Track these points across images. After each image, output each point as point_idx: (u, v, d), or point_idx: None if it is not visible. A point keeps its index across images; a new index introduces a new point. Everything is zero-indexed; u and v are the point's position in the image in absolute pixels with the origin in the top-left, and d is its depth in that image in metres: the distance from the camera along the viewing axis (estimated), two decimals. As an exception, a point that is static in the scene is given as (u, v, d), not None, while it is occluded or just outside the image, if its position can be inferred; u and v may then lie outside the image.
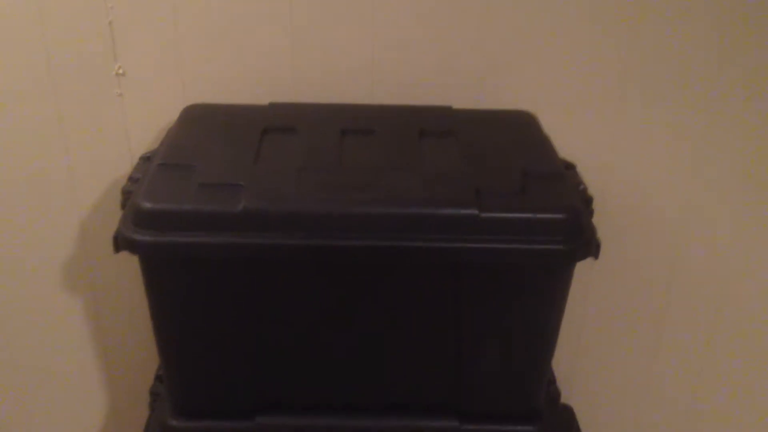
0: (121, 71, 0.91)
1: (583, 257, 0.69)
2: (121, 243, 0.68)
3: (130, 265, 1.03)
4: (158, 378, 0.89)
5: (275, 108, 0.85)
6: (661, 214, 1.05)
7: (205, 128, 0.81)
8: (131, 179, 0.76)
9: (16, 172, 0.98)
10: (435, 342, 0.74)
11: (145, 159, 0.81)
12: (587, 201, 0.76)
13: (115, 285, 1.07)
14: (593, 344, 1.18)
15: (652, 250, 1.08)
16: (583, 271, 1.08)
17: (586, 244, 0.69)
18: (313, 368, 0.76)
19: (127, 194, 0.74)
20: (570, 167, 0.82)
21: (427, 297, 0.71)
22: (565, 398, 1.20)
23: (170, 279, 0.70)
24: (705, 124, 0.97)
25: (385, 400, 0.79)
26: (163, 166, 0.73)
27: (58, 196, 1.00)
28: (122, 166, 0.96)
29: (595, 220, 0.75)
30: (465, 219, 0.67)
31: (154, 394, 0.87)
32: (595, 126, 0.96)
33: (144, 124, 0.94)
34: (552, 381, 0.90)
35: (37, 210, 1.01)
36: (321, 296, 0.71)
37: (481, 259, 0.68)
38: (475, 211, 0.67)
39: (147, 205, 0.67)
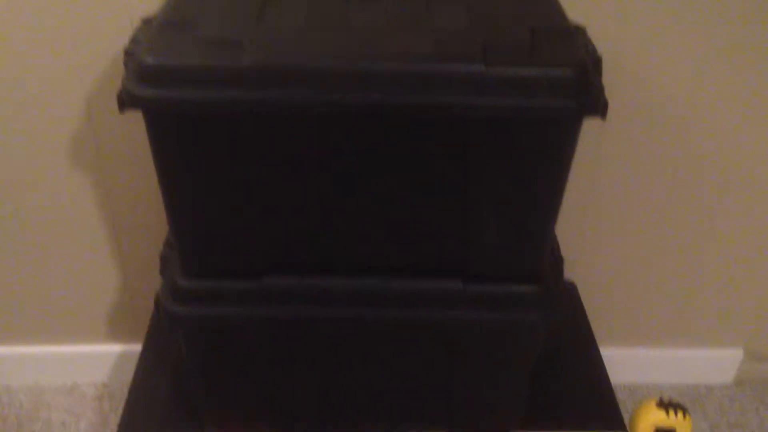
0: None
1: (590, 114, 0.68)
2: (125, 100, 0.68)
3: (136, 130, 1.04)
4: (167, 244, 0.91)
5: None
6: (669, 90, 1.04)
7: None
8: (133, 40, 0.75)
9: (18, 52, 0.97)
10: (440, 202, 0.75)
11: (147, 21, 0.80)
12: (596, 60, 0.75)
13: (122, 153, 1.07)
14: (598, 226, 1.19)
15: (659, 126, 1.08)
16: (589, 149, 1.08)
17: (594, 102, 0.68)
18: (319, 228, 0.77)
19: (129, 54, 0.73)
20: (579, 29, 0.80)
21: (433, 156, 0.71)
22: (568, 276, 1.22)
23: (175, 137, 0.70)
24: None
25: (389, 261, 0.80)
26: (165, 24, 0.72)
27: (60, 66, 0.99)
28: (124, 34, 0.95)
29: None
30: (472, 74, 0.66)
31: (164, 259, 0.88)
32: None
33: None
34: (556, 249, 0.91)
35: (40, 80, 1.00)
36: (327, 154, 0.71)
37: (488, 115, 0.68)
38: (482, 67, 0.66)
39: (150, 60, 0.66)
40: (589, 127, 1.05)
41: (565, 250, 1.19)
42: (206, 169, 0.72)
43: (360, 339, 0.84)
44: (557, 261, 0.90)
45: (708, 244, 1.21)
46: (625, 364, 1.34)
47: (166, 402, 0.98)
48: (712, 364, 1.37)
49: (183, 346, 0.85)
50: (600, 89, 0.69)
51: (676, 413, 0.90)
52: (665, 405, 0.91)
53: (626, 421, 0.95)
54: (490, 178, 0.73)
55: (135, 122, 1.01)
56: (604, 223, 1.18)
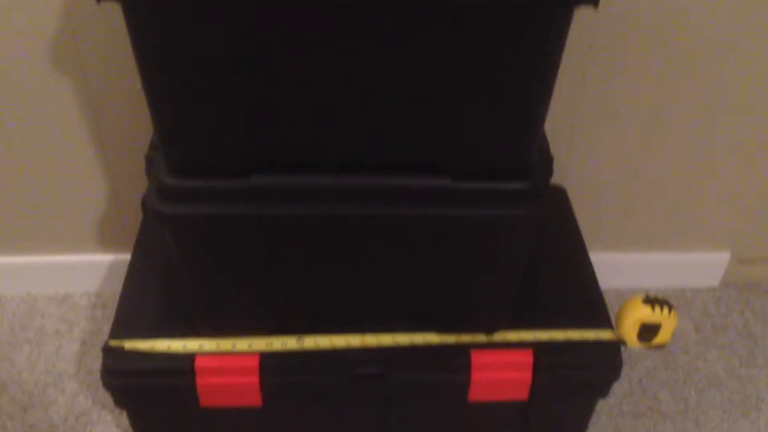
0: None
1: (582, 2, 0.67)
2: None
3: (116, 29, 1.02)
4: (153, 146, 0.90)
5: None
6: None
7: None
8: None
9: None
10: (428, 93, 0.73)
11: None
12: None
13: (102, 52, 1.05)
14: (587, 131, 1.18)
15: (653, 21, 1.06)
16: (581, 47, 1.06)
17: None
18: (306, 123, 0.76)
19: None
20: None
21: (420, 44, 0.70)
22: (558, 182, 1.22)
23: (153, 23, 0.68)
24: None
25: (378, 158, 0.79)
26: None
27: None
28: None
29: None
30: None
31: (149, 160, 0.87)
32: None
33: None
34: (546, 148, 0.90)
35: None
36: (315, 41, 0.70)
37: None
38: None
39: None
40: (581, 20, 1.03)
41: (555, 156, 1.19)
42: (188, 56, 0.70)
43: (349, 237, 0.84)
44: (547, 159, 0.90)
45: (699, 148, 1.21)
46: (613, 268, 1.35)
47: (158, 308, 0.99)
48: (699, 268, 1.38)
49: (172, 248, 0.85)
50: (592, -24, 0.68)
51: (662, 309, 0.91)
52: (651, 301, 0.92)
53: (613, 321, 0.97)
54: (480, 69, 0.72)
55: (113, 17, 0.99)
56: (594, 127, 1.17)
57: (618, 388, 1.21)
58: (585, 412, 1.02)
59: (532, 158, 0.81)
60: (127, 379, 0.93)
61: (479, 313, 0.94)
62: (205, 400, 0.95)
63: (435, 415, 1.00)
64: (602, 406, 1.18)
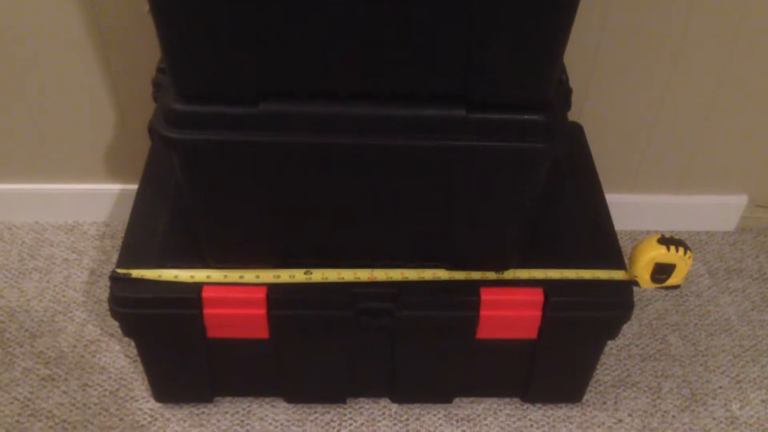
0: None
1: None
2: None
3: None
4: (160, 70, 0.87)
5: None
6: None
7: None
8: None
9: None
10: (445, 20, 0.70)
11: None
12: None
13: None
14: (607, 67, 1.15)
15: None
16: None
17: None
18: (317, 49, 0.73)
19: None
20: None
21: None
22: (575, 118, 1.19)
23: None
24: None
25: (391, 87, 0.76)
26: None
27: None
28: None
29: None
30: None
31: (156, 84, 0.85)
32: None
33: None
34: (565, 80, 0.87)
35: None
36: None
37: None
38: None
39: None
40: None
41: (573, 92, 1.16)
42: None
43: (359, 168, 0.83)
44: (565, 92, 0.87)
45: (719, 90, 1.17)
46: (627, 210, 1.33)
47: (166, 237, 0.98)
48: (715, 211, 1.36)
49: (179, 175, 0.84)
50: None
51: (677, 249, 0.89)
52: (666, 241, 0.90)
53: (626, 262, 0.95)
54: (498, -5, 0.69)
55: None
56: (614, 64, 1.14)
57: (628, 330, 1.20)
58: (593, 353, 1.01)
59: (550, 90, 0.78)
60: (134, 308, 0.92)
61: (490, 250, 0.93)
62: (213, 331, 0.94)
63: (442, 352, 1.00)
64: (611, 348, 1.18)
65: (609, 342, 1.06)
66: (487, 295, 0.92)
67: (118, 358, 1.14)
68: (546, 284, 0.93)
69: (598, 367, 1.13)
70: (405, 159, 0.82)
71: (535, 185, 0.85)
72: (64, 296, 1.23)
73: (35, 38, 1.09)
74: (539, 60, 0.74)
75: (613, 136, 1.24)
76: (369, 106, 0.77)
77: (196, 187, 0.85)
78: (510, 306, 0.93)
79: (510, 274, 0.94)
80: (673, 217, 1.35)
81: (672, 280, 0.92)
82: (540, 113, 0.78)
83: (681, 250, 0.89)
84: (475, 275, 0.94)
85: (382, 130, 0.79)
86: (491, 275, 0.94)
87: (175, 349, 0.98)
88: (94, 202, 1.32)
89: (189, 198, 0.87)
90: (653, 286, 0.93)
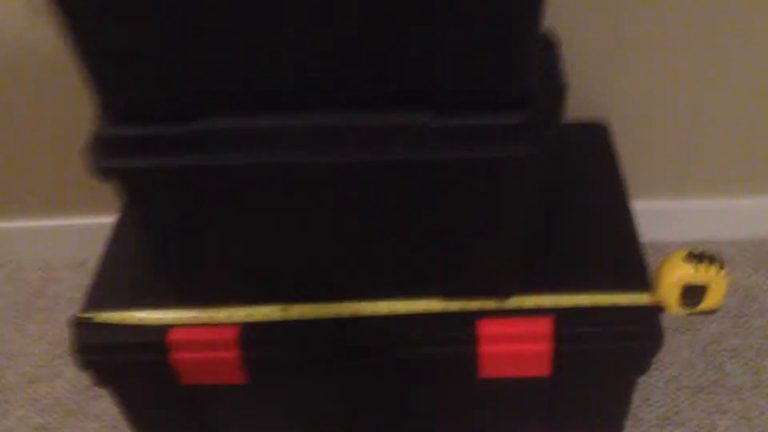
0: None
1: None
2: None
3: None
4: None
5: None
6: None
7: None
8: None
9: None
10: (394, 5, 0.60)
11: None
12: None
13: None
14: (635, 49, 1.01)
15: None
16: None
17: None
18: (257, 53, 0.64)
19: None
20: None
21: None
22: (599, 115, 1.05)
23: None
24: None
25: (343, 90, 0.66)
26: None
27: None
28: None
29: None
30: None
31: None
32: None
33: None
34: (555, 73, 0.75)
35: None
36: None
37: None
38: None
39: None
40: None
41: (594, 85, 1.03)
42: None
43: (321, 189, 0.72)
44: (556, 87, 0.75)
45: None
46: (667, 218, 1.18)
47: (136, 276, 0.88)
48: (782, 216, 1.19)
49: (124, 205, 0.75)
50: None
51: (708, 266, 0.75)
52: (695, 257, 0.76)
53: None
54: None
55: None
56: (642, 48, 1.00)
57: (676, 357, 1.05)
58: (623, 391, 0.87)
59: (528, 85, 0.66)
60: (98, 355, 0.85)
61: (487, 275, 0.81)
62: (186, 377, 0.85)
63: (442, 394, 0.88)
64: (656, 380, 1.03)
65: (656, 374, 0.92)
66: (485, 327, 0.80)
67: (113, 405, 1.07)
68: (556, 312, 0.80)
69: (640, 402, 0.99)
70: (367, 176, 0.71)
71: (523, 197, 0.72)
72: (65, 337, 1.17)
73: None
74: (505, 45, 0.62)
75: (644, 134, 1.10)
76: (322, 115, 0.67)
77: (145, 219, 0.76)
78: (514, 339, 0.81)
79: (514, 302, 0.82)
80: (723, 224, 1.19)
81: (706, 304, 0.77)
82: (518, 113, 0.66)
83: (713, 267, 0.75)
84: (473, 305, 0.82)
85: (337, 144, 0.68)
86: (491, 304, 0.82)
87: (150, 397, 0.90)
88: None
89: (141, 233, 0.78)
90: (683, 312, 0.79)
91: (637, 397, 1.00)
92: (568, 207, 0.91)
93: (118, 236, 0.95)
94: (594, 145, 1.00)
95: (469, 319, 0.81)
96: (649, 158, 1.12)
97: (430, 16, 0.60)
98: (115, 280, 0.89)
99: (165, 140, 0.68)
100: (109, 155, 0.69)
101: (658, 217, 1.18)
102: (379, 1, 0.59)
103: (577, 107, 1.06)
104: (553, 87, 0.74)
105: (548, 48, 0.78)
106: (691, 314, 0.79)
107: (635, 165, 1.10)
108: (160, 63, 0.64)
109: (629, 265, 0.84)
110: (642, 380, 0.98)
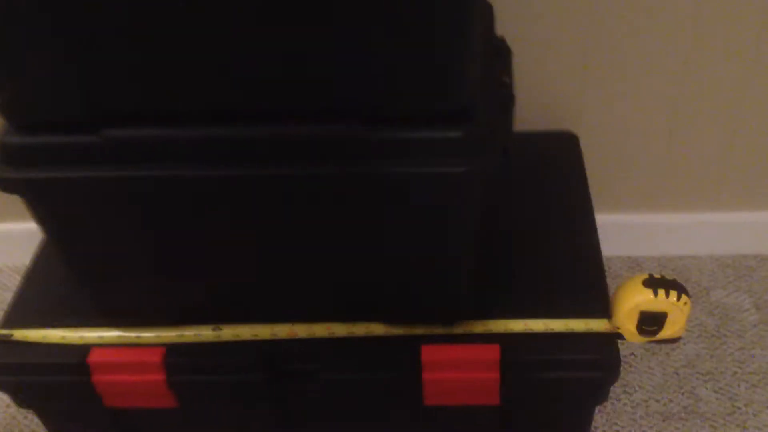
0: None
1: None
2: None
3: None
4: None
5: None
6: None
7: None
8: None
9: None
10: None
11: None
12: None
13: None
14: (602, 61, 0.95)
15: None
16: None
17: None
18: (166, 57, 0.58)
19: None
20: None
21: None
22: (569, 127, 1.00)
23: None
24: None
25: (262, 99, 0.60)
26: None
27: None
28: None
29: None
30: None
31: None
32: None
33: None
34: (505, 82, 0.69)
35: None
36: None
37: None
38: None
39: None
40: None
41: (563, 92, 0.97)
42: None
43: (243, 205, 0.66)
44: (505, 97, 0.69)
45: (751, 80, 0.96)
46: (645, 233, 1.12)
47: (61, 291, 0.82)
48: (764, 230, 1.12)
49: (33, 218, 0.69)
50: None
51: (667, 293, 0.69)
52: (654, 282, 0.70)
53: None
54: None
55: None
56: (613, 56, 0.94)
57: (646, 381, 0.99)
58: (578, 420, 0.81)
59: (466, 97, 0.60)
60: (15, 376, 0.79)
61: (432, 298, 0.75)
62: (110, 400, 0.80)
63: (386, 421, 0.82)
64: (623, 404, 0.96)
65: (622, 397, 0.86)
66: (429, 354, 0.74)
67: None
68: (505, 339, 0.74)
69: (605, 428, 0.93)
70: (293, 191, 0.65)
71: (467, 215, 0.66)
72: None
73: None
74: (438, 60, 0.57)
75: (618, 144, 1.04)
76: (241, 127, 0.62)
77: (56, 234, 0.70)
78: (459, 367, 0.75)
79: (462, 327, 0.76)
80: (708, 239, 1.13)
81: (665, 333, 0.71)
82: (455, 128, 0.60)
83: (673, 294, 0.69)
84: (418, 330, 0.76)
85: (258, 159, 0.63)
86: (438, 329, 0.76)
87: (74, 419, 0.84)
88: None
89: (54, 247, 0.72)
90: (642, 339, 0.73)
91: (602, 422, 0.94)
92: (527, 223, 0.85)
93: (46, 249, 0.89)
94: (561, 155, 0.94)
95: (412, 344, 0.75)
96: (624, 170, 1.06)
97: (350, 24, 0.54)
98: (40, 296, 0.83)
99: (67, 150, 0.62)
100: (10, 165, 0.63)
101: (634, 230, 1.12)
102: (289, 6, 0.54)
103: (549, 118, 1.00)
104: (502, 98, 0.67)
105: (498, 56, 0.72)
106: (650, 342, 0.73)
107: (609, 177, 1.05)
108: (60, 69, 0.59)
109: (587, 288, 0.78)
110: (608, 404, 0.93)
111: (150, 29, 0.56)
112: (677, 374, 1.00)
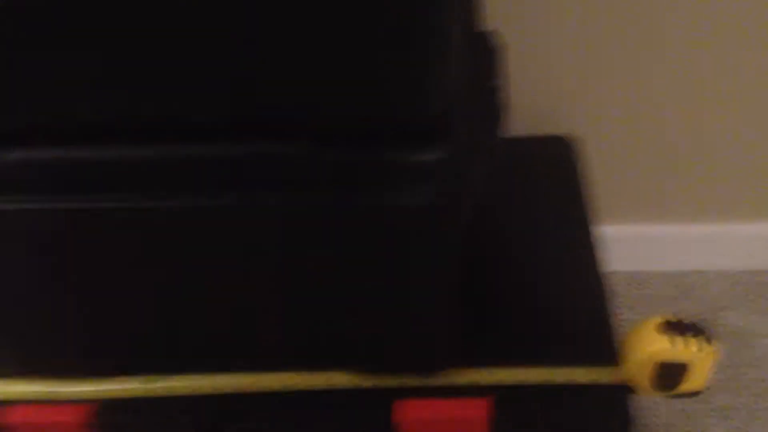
0: None
1: None
2: None
3: None
4: None
5: None
6: None
7: None
8: None
9: None
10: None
11: None
12: None
13: None
14: (601, 63, 0.84)
15: None
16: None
17: None
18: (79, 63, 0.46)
19: None
20: None
21: None
22: (567, 129, 0.89)
23: None
24: None
25: (193, 116, 0.49)
26: None
27: None
28: None
29: None
30: None
31: None
32: None
33: None
34: (492, 88, 0.57)
35: None
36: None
37: None
38: None
39: None
40: None
41: (558, 92, 0.86)
42: None
43: (161, 243, 0.54)
44: (491, 111, 0.56)
45: (763, 80, 0.85)
46: (655, 245, 1.01)
47: None
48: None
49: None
50: None
51: (687, 340, 0.57)
52: (672, 327, 0.58)
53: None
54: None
55: None
56: (613, 56, 0.83)
57: (652, 418, 0.88)
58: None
59: (437, 107, 0.47)
60: None
61: (406, 343, 0.62)
62: (27, 465, 0.67)
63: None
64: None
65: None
66: (403, 411, 0.62)
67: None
68: (495, 391, 0.63)
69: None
70: (225, 224, 0.53)
71: (440, 251, 0.54)
72: None
73: None
74: (403, 54, 0.44)
75: (625, 148, 0.93)
76: (166, 144, 0.50)
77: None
78: (440, 425, 0.63)
79: (442, 378, 0.64)
80: (719, 252, 1.02)
81: (686, 386, 0.60)
82: (426, 148, 0.48)
83: (694, 342, 0.57)
84: (391, 381, 0.64)
85: (191, 185, 0.51)
86: (414, 381, 0.64)
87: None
88: None
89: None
90: (657, 394, 0.61)
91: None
92: (519, 251, 0.73)
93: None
94: (554, 163, 0.83)
95: (383, 398, 0.63)
96: (628, 179, 0.95)
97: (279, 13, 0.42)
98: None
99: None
100: None
101: (639, 244, 1.01)
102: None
103: (545, 121, 0.90)
104: (488, 106, 0.55)
105: (485, 54, 0.60)
106: (667, 396, 0.61)
107: (612, 187, 0.94)
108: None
109: (591, 330, 0.66)
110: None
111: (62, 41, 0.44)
112: (687, 411, 0.88)
